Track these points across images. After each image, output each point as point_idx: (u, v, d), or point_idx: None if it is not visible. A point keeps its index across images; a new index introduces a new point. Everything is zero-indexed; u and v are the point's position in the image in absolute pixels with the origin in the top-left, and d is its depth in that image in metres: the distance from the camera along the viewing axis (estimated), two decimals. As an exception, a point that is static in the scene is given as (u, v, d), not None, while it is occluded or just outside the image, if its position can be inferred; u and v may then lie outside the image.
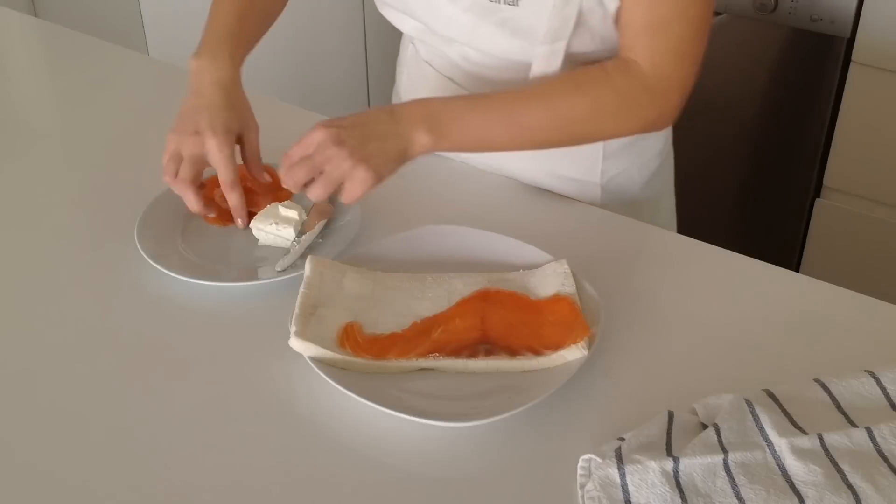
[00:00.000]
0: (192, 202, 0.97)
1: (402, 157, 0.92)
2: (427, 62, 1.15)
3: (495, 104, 0.94)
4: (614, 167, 1.12)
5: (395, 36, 1.21)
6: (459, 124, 0.93)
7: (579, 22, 0.96)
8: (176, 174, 0.97)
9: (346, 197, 0.90)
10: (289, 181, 0.90)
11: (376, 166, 0.89)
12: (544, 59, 0.98)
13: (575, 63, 0.99)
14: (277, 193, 1.03)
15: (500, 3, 0.96)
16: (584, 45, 0.98)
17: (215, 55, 1.00)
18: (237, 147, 1.00)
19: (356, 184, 0.88)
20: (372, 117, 0.92)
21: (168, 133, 0.99)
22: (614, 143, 1.11)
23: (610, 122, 0.97)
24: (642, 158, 1.15)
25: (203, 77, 0.99)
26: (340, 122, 0.91)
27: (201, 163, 0.97)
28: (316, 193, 0.89)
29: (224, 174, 0.97)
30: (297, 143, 0.91)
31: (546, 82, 0.97)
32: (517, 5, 0.95)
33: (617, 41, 0.98)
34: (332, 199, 1.04)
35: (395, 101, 1.27)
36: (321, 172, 0.89)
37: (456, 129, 0.93)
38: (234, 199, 0.99)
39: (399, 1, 1.04)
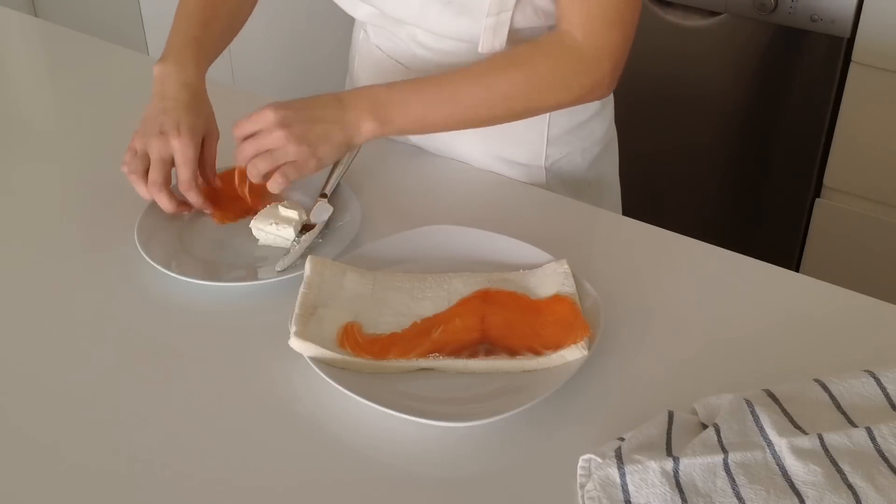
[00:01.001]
0: (167, 205, 0.99)
1: (347, 145, 0.96)
2: (377, 46, 1.17)
3: (436, 86, 0.98)
4: (558, 152, 1.15)
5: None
6: (403, 109, 0.96)
7: None
8: (142, 174, 0.98)
9: (282, 176, 0.94)
10: (239, 157, 0.95)
11: (319, 152, 0.94)
12: (490, 33, 1.00)
13: (519, 40, 1.01)
14: (241, 201, 1.04)
15: None
16: (528, 19, 1.01)
17: (180, 60, 1.02)
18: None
19: (297, 167, 0.94)
20: (321, 102, 0.96)
21: (133, 134, 1.00)
22: (557, 129, 1.14)
23: (547, 93, 0.99)
24: (585, 143, 1.17)
25: (168, 81, 1.01)
26: (290, 104, 0.95)
27: (170, 164, 0.99)
28: (259, 168, 0.94)
29: (183, 174, 0.98)
30: (247, 117, 0.94)
31: (484, 61, 1.00)
32: None
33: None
34: (332, 199, 1.04)
35: (348, 86, 1.30)
36: (267, 151, 0.94)
37: (400, 114, 0.96)
38: (193, 198, 1.00)
39: None
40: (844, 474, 0.67)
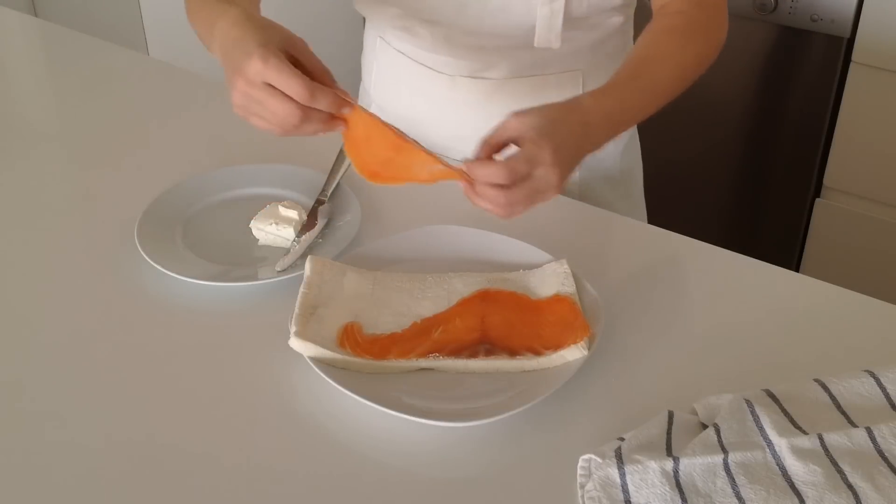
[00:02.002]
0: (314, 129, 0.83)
1: None
2: (401, 52, 1.13)
3: (643, 82, 0.92)
4: None
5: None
6: (623, 123, 0.92)
7: None
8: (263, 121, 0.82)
9: (515, 211, 0.83)
10: (506, 213, 0.82)
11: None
12: (545, 22, 0.99)
13: (576, 30, 0.99)
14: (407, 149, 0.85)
15: None
16: (581, 6, 1.01)
17: (224, 18, 0.85)
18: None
19: (535, 202, 0.83)
20: (575, 131, 0.85)
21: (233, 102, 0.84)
22: None
23: (707, 58, 0.98)
24: None
25: (223, 43, 0.84)
26: (554, 134, 0.81)
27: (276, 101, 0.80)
28: (514, 215, 0.83)
29: (293, 87, 0.79)
30: (516, 161, 0.80)
31: (651, 39, 0.96)
32: None
33: (605, 3, 1.02)
34: (332, 199, 1.04)
35: (362, 96, 1.24)
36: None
37: (620, 128, 0.91)
38: (324, 102, 0.80)
39: None
40: (844, 474, 0.67)
